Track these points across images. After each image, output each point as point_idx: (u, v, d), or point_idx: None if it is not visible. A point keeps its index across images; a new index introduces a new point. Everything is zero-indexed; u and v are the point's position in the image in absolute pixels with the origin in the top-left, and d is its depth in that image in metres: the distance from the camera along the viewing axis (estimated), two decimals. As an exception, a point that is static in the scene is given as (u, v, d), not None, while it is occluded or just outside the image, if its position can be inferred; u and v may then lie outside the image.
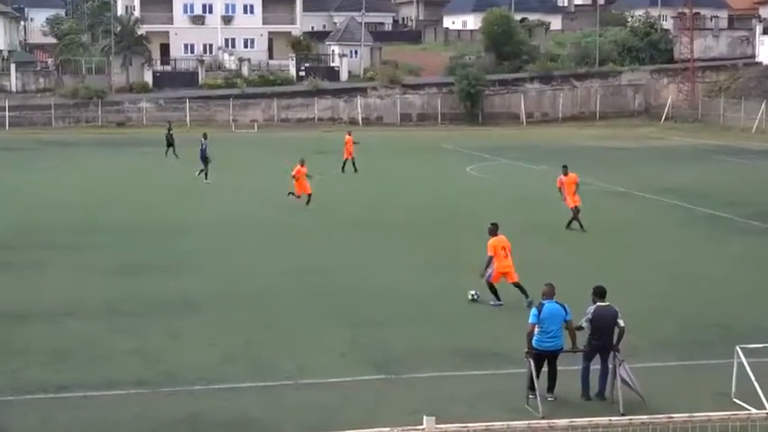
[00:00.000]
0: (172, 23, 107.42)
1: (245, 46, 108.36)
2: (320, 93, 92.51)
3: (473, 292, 24.01)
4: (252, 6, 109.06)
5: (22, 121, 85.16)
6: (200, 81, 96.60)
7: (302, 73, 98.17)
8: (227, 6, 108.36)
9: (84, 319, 22.29)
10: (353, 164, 52.07)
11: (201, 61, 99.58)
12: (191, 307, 23.50)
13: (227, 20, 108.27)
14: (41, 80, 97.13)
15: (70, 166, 55.58)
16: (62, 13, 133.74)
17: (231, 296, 24.46)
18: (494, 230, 23.77)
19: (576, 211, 33.98)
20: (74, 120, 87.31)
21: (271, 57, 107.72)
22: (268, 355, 19.59)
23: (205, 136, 50.17)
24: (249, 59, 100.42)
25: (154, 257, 29.08)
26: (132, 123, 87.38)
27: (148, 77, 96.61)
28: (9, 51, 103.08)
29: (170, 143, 60.05)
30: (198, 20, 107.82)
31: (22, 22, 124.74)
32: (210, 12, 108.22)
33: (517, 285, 23.49)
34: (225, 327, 21.71)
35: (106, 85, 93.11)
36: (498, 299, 23.56)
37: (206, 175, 47.46)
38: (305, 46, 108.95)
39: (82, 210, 37.75)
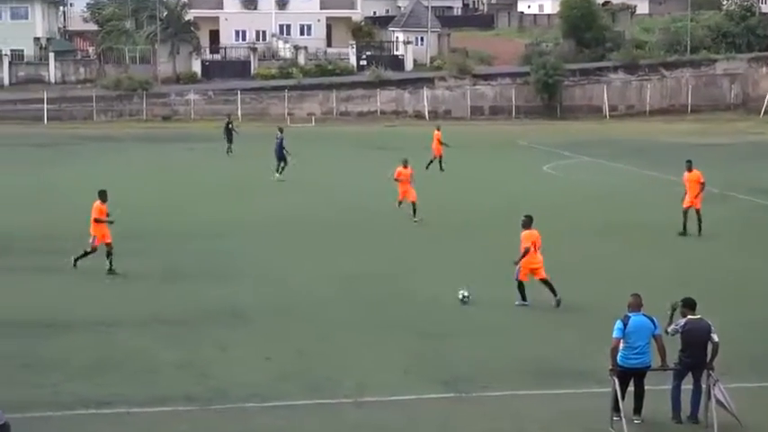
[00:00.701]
0: (222, 8, 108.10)
1: (302, 33, 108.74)
2: (383, 84, 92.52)
3: (464, 293, 24.77)
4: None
5: (61, 114, 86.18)
6: (253, 71, 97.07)
7: (363, 62, 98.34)
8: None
9: (127, 329, 22.56)
10: (440, 162, 52.10)
11: (254, 49, 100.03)
12: (241, 317, 23.68)
13: (281, 4, 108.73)
14: (82, 70, 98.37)
15: (111, 163, 56.17)
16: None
17: (284, 305, 24.60)
18: (528, 223, 24.60)
19: (686, 214, 33.62)
20: (116, 113, 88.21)
21: (329, 44, 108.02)
22: (325, 370, 19.68)
23: (281, 130, 50.92)
24: (306, 47, 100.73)
25: (201, 263, 29.33)
26: (179, 117, 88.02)
27: (197, 67, 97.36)
28: (48, 39, 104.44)
29: (230, 138, 60.57)
30: (250, 4, 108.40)
31: (62, 8, 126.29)
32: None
33: (546, 283, 24.26)
34: (277, 338, 21.85)
35: (151, 75, 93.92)
36: (524, 299, 24.36)
37: (281, 170, 48.08)
38: (366, 33, 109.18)
39: (125, 211, 37.97)
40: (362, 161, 57.92)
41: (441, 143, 52.38)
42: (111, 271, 27.66)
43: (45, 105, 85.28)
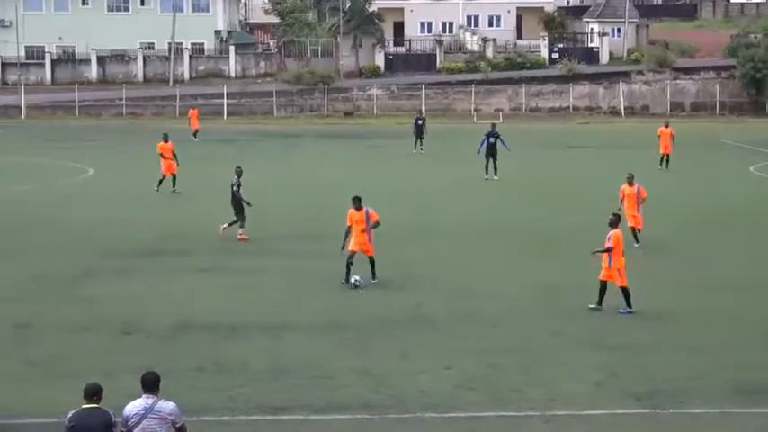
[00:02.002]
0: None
1: (490, 24, 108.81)
2: (576, 78, 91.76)
3: (356, 277, 26.20)
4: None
5: (240, 109, 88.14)
6: (438, 65, 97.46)
7: (555, 55, 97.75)
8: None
9: (304, 334, 22.93)
10: (667, 160, 51.63)
11: (440, 42, 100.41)
12: (424, 324, 23.79)
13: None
14: (262, 64, 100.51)
15: (292, 161, 57.15)
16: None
17: (470, 313, 24.61)
18: (615, 222, 24.81)
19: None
20: (297, 108, 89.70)
21: (519, 36, 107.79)
22: (510, 381, 19.64)
23: (493, 126, 51.15)
24: (494, 39, 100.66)
25: (383, 267, 29.53)
26: (361, 113, 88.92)
27: (380, 60, 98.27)
28: (228, 32, 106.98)
29: (420, 135, 60.93)
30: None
31: (243, 0, 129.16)
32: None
33: (623, 290, 24.39)
34: (462, 348, 21.87)
35: (333, 69, 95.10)
36: (600, 303, 24.52)
37: (495, 170, 48.36)
38: (559, 24, 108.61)
39: (302, 211, 38.75)
40: (555, 161, 57.57)
41: (672, 138, 51.96)
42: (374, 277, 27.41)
43: (225, 100, 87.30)
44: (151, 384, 13.15)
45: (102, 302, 25.37)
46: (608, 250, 24.44)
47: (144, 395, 13.11)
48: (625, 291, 24.43)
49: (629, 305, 24.41)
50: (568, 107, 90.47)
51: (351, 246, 27.11)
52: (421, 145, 60.63)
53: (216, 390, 19.07)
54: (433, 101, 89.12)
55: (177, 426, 13.14)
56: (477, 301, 25.61)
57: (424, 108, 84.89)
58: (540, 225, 36.55)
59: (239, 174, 33.91)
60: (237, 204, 33.48)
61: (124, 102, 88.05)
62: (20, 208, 40.09)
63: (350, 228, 27.09)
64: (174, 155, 44.23)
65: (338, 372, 20.13)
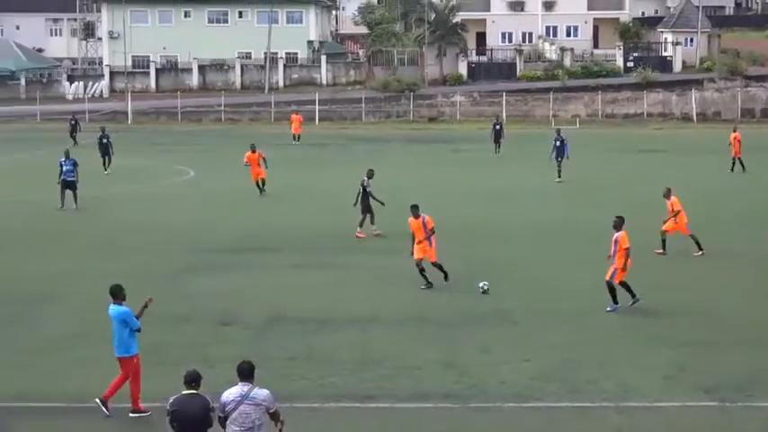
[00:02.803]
0: (489, 10, 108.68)
1: (568, 34, 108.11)
2: (650, 85, 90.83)
3: (484, 285, 25.93)
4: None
5: (331, 115, 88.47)
6: (518, 73, 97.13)
7: (630, 63, 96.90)
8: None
9: (390, 327, 23.01)
10: (741, 163, 51.22)
11: (520, 51, 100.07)
12: (504, 320, 23.76)
13: (548, 6, 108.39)
14: (352, 72, 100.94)
15: (379, 163, 57.10)
16: (375, 1, 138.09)
17: (548, 310, 24.50)
18: (619, 224, 24.67)
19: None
20: (384, 114, 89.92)
21: (595, 45, 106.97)
22: (586, 374, 19.53)
23: (558, 131, 51.11)
24: (572, 49, 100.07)
25: (462, 264, 29.49)
26: (444, 119, 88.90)
27: (463, 69, 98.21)
28: (320, 42, 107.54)
29: (498, 138, 60.87)
30: (517, 6, 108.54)
31: (334, 12, 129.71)
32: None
33: (623, 285, 24.18)
34: (539, 341, 21.82)
35: (419, 77, 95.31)
36: (616, 302, 24.16)
37: (558, 173, 48.43)
38: (634, 33, 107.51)
39: (388, 210, 38.65)
40: (629, 164, 57.03)
41: (740, 143, 51.58)
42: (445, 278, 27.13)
43: (317, 107, 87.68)
44: (247, 373, 13.28)
45: (201, 296, 25.66)
46: (627, 254, 24.21)
47: (240, 383, 13.23)
48: (611, 287, 24.21)
49: (615, 302, 24.24)
50: (642, 113, 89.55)
51: (416, 253, 26.75)
52: (499, 148, 60.53)
53: (307, 378, 19.20)
54: (513, 107, 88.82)
55: (270, 412, 13.26)
56: (553, 298, 25.49)
57: (504, 114, 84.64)
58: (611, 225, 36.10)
59: (370, 176, 34.66)
60: (367, 203, 34.02)
61: (223, 108, 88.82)
62: (126, 207, 40.65)
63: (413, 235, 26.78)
64: (264, 161, 44.10)
65: (422, 363, 20.17)
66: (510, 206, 41.32)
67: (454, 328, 22.92)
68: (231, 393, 13.19)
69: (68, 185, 39.83)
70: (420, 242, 26.62)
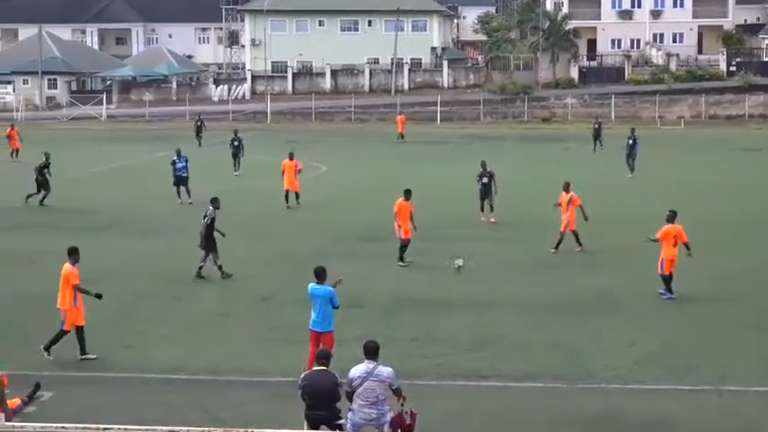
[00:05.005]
0: (599, 19, 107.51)
1: (674, 41, 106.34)
2: (752, 89, 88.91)
3: (458, 262, 26.68)
4: (682, 0, 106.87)
5: (451, 115, 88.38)
6: (626, 77, 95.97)
7: (733, 68, 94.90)
8: (655, 0, 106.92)
9: (504, 311, 22.91)
10: None
11: (628, 56, 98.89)
12: (611, 305, 23.47)
13: (655, 14, 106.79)
14: (471, 76, 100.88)
15: (493, 159, 56.64)
16: (493, 10, 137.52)
17: (649, 295, 24.07)
18: (671, 217, 24.10)
19: None
20: (500, 115, 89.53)
21: (700, 51, 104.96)
22: (688, 359, 19.19)
23: (632, 130, 50.35)
24: (677, 54, 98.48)
25: (571, 253, 29.22)
26: (557, 119, 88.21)
27: (574, 73, 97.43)
28: (443, 48, 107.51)
29: (597, 137, 60.27)
30: (626, 15, 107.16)
31: (456, 20, 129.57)
32: (639, 6, 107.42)
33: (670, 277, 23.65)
34: (644, 326, 21.52)
35: (533, 80, 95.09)
36: (670, 291, 23.57)
37: (631, 169, 47.94)
38: (737, 39, 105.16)
39: (504, 202, 38.43)
40: (728, 162, 55.83)
41: None
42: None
43: (438, 108, 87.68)
44: (372, 351, 13.36)
45: (331, 280, 25.80)
46: (686, 245, 23.93)
47: (366, 361, 13.32)
48: (666, 278, 23.77)
49: (669, 290, 23.78)
50: (744, 115, 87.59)
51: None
52: (600, 146, 59.84)
53: (426, 357, 19.23)
54: (621, 109, 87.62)
55: (393, 388, 13.32)
56: (655, 284, 24.90)
57: (612, 115, 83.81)
58: (707, 216, 35.38)
59: (485, 165, 35.46)
60: (488, 193, 34.80)
61: (353, 109, 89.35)
62: (264, 199, 41.10)
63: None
64: (299, 171, 39.17)
65: (533, 345, 20.06)
66: (612, 197, 40.88)
67: (563, 311, 22.72)
68: (358, 370, 13.28)
69: (181, 181, 39.63)
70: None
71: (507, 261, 28.31)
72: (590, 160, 56.46)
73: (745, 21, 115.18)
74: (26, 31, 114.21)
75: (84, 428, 11.30)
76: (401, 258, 27.88)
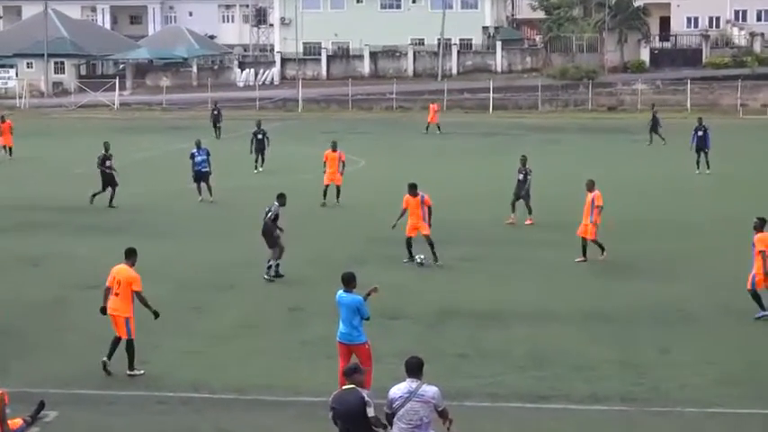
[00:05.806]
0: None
1: (758, 18, 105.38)
2: None
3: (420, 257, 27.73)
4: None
5: (506, 103, 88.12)
6: (704, 59, 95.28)
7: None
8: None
9: (562, 324, 22.77)
10: None
11: (706, 37, 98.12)
12: (683, 317, 23.31)
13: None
14: (528, 59, 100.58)
15: (549, 154, 56.57)
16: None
17: (729, 307, 23.88)
18: (760, 225, 23.38)
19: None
20: (561, 103, 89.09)
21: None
22: (774, 379, 19.01)
23: (700, 120, 50.08)
24: (762, 34, 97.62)
25: (638, 260, 29.00)
26: (625, 108, 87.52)
27: (645, 55, 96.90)
28: (496, 28, 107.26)
29: (653, 126, 60.03)
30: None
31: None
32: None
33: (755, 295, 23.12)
34: (723, 342, 21.36)
35: (598, 64, 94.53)
36: (763, 308, 22.94)
37: (707, 164, 47.64)
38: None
39: (551, 204, 38.13)
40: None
41: None
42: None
43: (491, 94, 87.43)
44: (415, 369, 13.26)
45: (368, 288, 25.75)
46: (764, 257, 22.99)
47: (408, 379, 13.23)
48: (755, 295, 23.12)
49: (761, 307, 23.08)
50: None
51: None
52: (661, 138, 59.46)
53: (477, 376, 19.16)
54: (698, 95, 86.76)
55: (439, 410, 13.23)
56: (735, 295, 24.52)
57: (689, 103, 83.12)
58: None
59: (524, 161, 35.13)
60: (525, 193, 34.50)
61: (394, 96, 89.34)
62: (298, 196, 41.04)
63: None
64: (344, 164, 39.76)
65: (598, 362, 19.93)
66: (683, 196, 40.63)
67: (631, 325, 22.57)
68: (399, 389, 13.19)
69: (201, 177, 39.47)
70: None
71: (561, 267, 28.24)
72: (660, 154, 55.98)
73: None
74: (30, 9, 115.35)
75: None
76: (410, 256, 28.68)
